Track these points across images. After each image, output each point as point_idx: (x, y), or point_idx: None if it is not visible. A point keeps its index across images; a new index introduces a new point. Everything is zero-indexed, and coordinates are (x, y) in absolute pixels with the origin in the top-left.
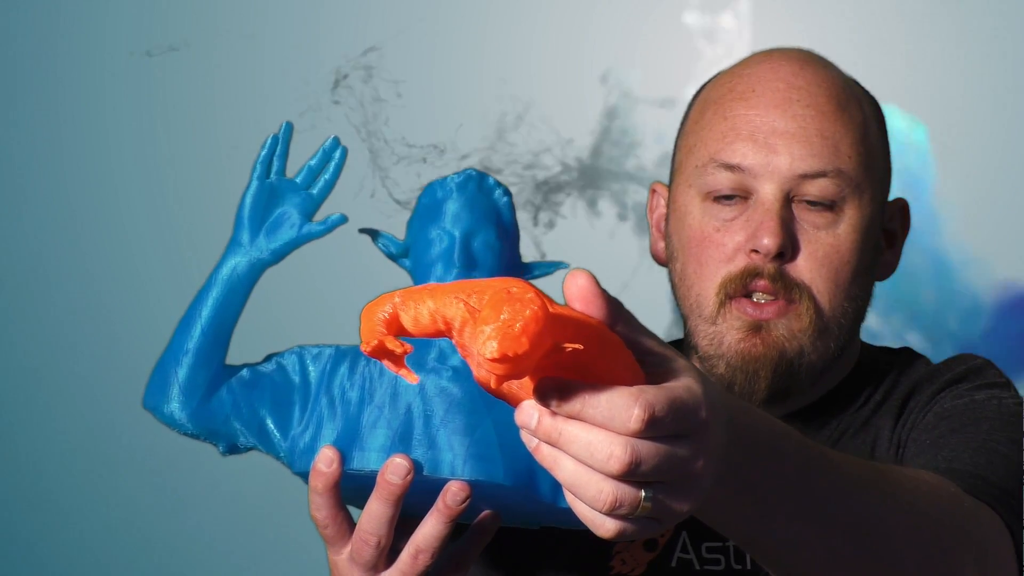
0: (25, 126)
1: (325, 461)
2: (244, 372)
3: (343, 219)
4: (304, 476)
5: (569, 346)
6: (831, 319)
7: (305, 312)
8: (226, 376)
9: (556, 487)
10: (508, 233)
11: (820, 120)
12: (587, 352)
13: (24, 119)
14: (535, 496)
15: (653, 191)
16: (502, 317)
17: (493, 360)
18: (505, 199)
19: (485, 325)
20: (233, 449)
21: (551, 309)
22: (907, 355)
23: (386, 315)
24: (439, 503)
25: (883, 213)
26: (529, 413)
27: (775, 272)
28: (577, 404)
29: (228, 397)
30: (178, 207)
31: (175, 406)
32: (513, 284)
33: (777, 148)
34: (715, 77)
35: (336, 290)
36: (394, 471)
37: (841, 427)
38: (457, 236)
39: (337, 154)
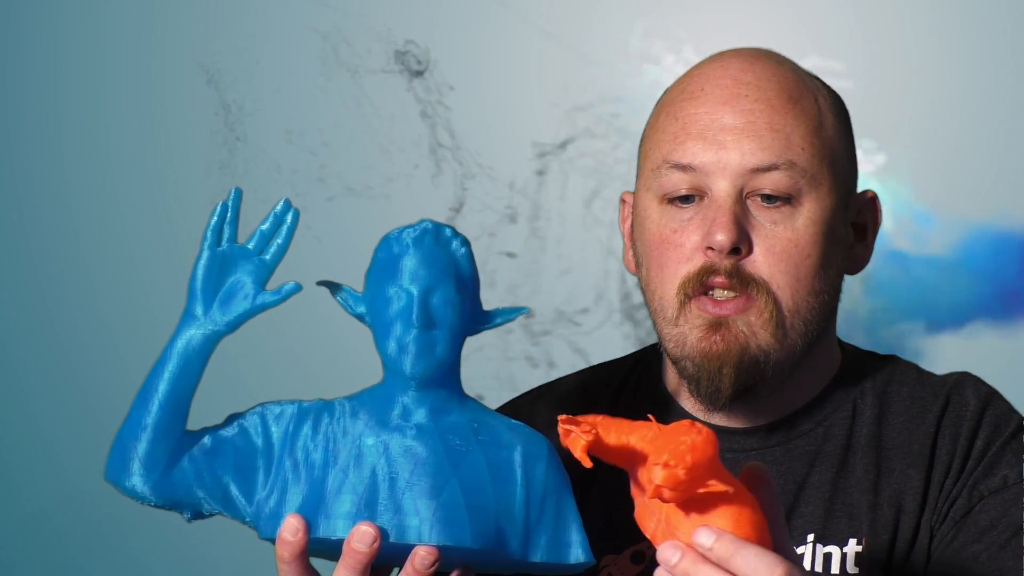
0: (25, 127)
1: (290, 530)
2: (205, 439)
3: (297, 287)
4: (271, 541)
5: (719, 487)
6: (794, 314)
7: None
8: (187, 445)
9: (526, 542)
10: (467, 285)
11: (769, 113)
12: (731, 498)
13: (24, 119)
14: (504, 554)
15: (623, 201)
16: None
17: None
18: (463, 249)
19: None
20: (198, 516)
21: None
22: (894, 362)
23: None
24: (408, 567)
25: (848, 206)
26: (672, 551)
27: (731, 268)
28: (731, 548)
29: (190, 467)
30: (178, 207)
31: (136, 480)
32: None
33: (727, 144)
34: (674, 82)
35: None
36: (360, 539)
37: (832, 434)
38: (415, 294)
39: (289, 217)
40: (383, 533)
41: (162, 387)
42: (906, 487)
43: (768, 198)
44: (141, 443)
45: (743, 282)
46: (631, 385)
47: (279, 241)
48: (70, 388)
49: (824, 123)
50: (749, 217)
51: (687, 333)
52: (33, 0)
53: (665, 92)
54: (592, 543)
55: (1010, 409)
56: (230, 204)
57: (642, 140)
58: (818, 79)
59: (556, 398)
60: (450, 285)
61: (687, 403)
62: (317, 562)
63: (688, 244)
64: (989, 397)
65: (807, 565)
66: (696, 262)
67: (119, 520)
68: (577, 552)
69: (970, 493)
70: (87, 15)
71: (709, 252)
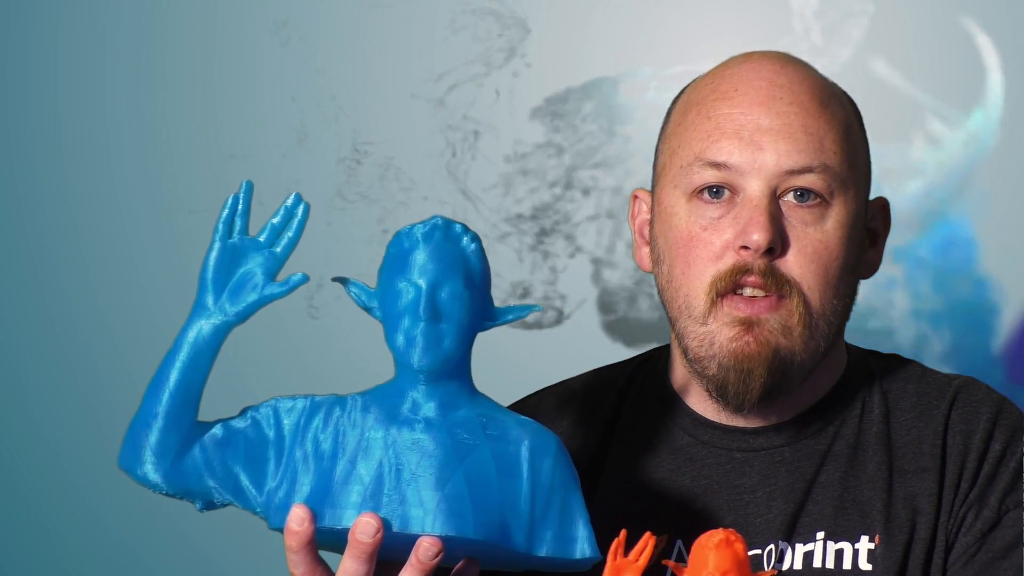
0: (25, 127)
1: (296, 520)
2: (217, 430)
3: (305, 278)
4: (281, 531)
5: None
6: (821, 316)
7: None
8: (198, 434)
9: (531, 536)
10: (476, 280)
11: (804, 116)
12: None
13: (24, 119)
14: (509, 547)
15: (635, 197)
16: None
17: None
18: (473, 246)
19: None
20: (210, 506)
21: None
22: (897, 360)
23: None
24: (412, 558)
25: (866, 211)
26: None
27: (765, 267)
28: None
29: (201, 456)
30: (178, 207)
31: (148, 468)
32: None
33: (763, 145)
34: (695, 80)
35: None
36: (363, 530)
37: (841, 433)
38: (423, 287)
39: (300, 211)
40: (387, 524)
41: (173, 376)
42: (920, 489)
43: (800, 200)
44: (152, 432)
45: (777, 282)
46: (636, 387)
47: (290, 234)
48: (70, 388)
49: (851, 128)
50: (782, 218)
51: (716, 332)
52: (33, 0)
53: (688, 92)
54: (597, 541)
55: (1022, 415)
56: (241, 196)
57: (664, 138)
58: (836, 85)
59: (561, 398)
60: (458, 280)
61: (694, 401)
62: (327, 554)
63: (718, 242)
64: (1001, 401)
65: (817, 562)
66: (728, 260)
67: (120, 519)
68: (583, 547)
69: (998, 507)
70: (87, 15)
71: (743, 251)
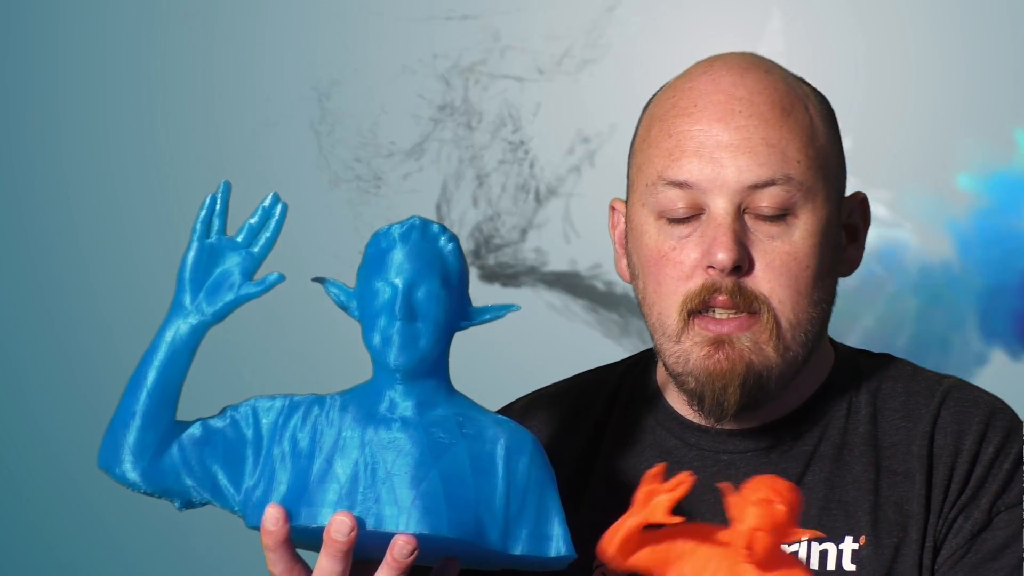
0: (25, 127)
1: (272, 520)
2: (196, 429)
3: (281, 278)
4: (258, 530)
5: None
6: (795, 327)
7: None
8: (177, 434)
9: (506, 534)
10: (453, 280)
11: (764, 129)
12: None
13: (24, 119)
14: (483, 545)
15: (612, 208)
16: None
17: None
18: (450, 245)
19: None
20: (188, 504)
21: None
22: (887, 360)
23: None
24: (387, 556)
25: (840, 210)
26: None
27: (733, 287)
28: None
29: (179, 455)
30: (177, 206)
31: (127, 467)
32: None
33: (723, 161)
34: (660, 91)
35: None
36: (337, 528)
37: (827, 434)
38: (399, 287)
39: (277, 211)
40: (361, 522)
41: (150, 376)
42: (910, 493)
43: (765, 214)
44: (130, 431)
45: (746, 300)
46: (626, 389)
47: (267, 234)
48: (69, 387)
49: (816, 133)
50: (748, 233)
51: (690, 350)
52: (33, 0)
53: (653, 103)
54: (585, 543)
55: (1017, 417)
56: (219, 197)
57: (632, 152)
58: (805, 83)
59: (550, 402)
60: (435, 279)
61: (680, 405)
62: (306, 552)
63: (688, 261)
64: (993, 403)
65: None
66: (697, 280)
67: (119, 519)
68: (558, 545)
69: (989, 509)
70: (87, 15)
71: (710, 270)
